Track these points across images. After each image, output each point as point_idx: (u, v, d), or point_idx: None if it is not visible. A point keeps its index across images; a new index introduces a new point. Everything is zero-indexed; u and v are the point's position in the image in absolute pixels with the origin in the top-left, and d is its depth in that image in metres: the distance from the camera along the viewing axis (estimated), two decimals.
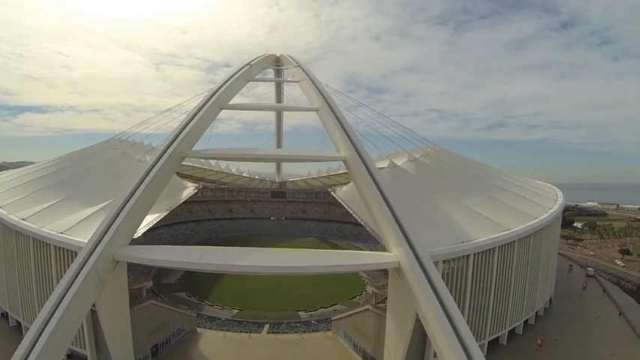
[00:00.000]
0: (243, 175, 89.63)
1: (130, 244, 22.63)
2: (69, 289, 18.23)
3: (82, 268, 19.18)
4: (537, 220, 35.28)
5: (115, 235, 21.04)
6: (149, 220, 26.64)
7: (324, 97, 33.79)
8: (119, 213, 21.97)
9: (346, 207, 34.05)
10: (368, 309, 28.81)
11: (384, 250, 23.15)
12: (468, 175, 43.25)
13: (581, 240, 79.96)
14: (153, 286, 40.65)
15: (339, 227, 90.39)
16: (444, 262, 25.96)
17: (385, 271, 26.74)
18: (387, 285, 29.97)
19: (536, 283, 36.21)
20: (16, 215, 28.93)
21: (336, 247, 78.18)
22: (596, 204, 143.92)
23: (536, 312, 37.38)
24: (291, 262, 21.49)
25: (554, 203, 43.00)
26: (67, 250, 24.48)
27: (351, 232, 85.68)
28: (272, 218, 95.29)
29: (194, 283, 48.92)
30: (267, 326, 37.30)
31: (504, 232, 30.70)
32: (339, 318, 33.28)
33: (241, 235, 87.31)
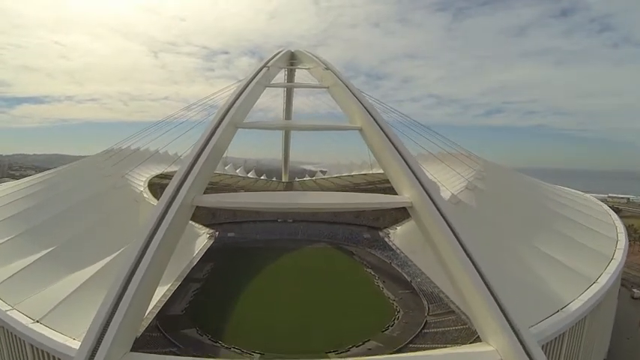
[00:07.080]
0: (248, 175, 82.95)
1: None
2: None
3: None
4: (617, 262, 29.69)
5: (115, 337, 14.85)
6: (157, 300, 20.01)
7: (368, 112, 26.82)
8: (118, 302, 15.64)
9: (415, 264, 27.72)
10: None
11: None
12: (524, 201, 37.34)
13: None
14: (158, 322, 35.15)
15: (352, 230, 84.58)
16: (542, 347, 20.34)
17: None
18: None
19: (611, 326, 31.39)
20: None
21: (351, 254, 72.62)
22: (606, 197, 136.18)
23: None
24: None
25: (616, 231, 37.47)
26: (48, 353, 17.79)
27: (365, 236, 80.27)
28: (279, 220, 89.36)
29: (204, 315, 43.05)
30: None
31: (595, 289, 24.82)
32: None
33: (247, 242, 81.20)
